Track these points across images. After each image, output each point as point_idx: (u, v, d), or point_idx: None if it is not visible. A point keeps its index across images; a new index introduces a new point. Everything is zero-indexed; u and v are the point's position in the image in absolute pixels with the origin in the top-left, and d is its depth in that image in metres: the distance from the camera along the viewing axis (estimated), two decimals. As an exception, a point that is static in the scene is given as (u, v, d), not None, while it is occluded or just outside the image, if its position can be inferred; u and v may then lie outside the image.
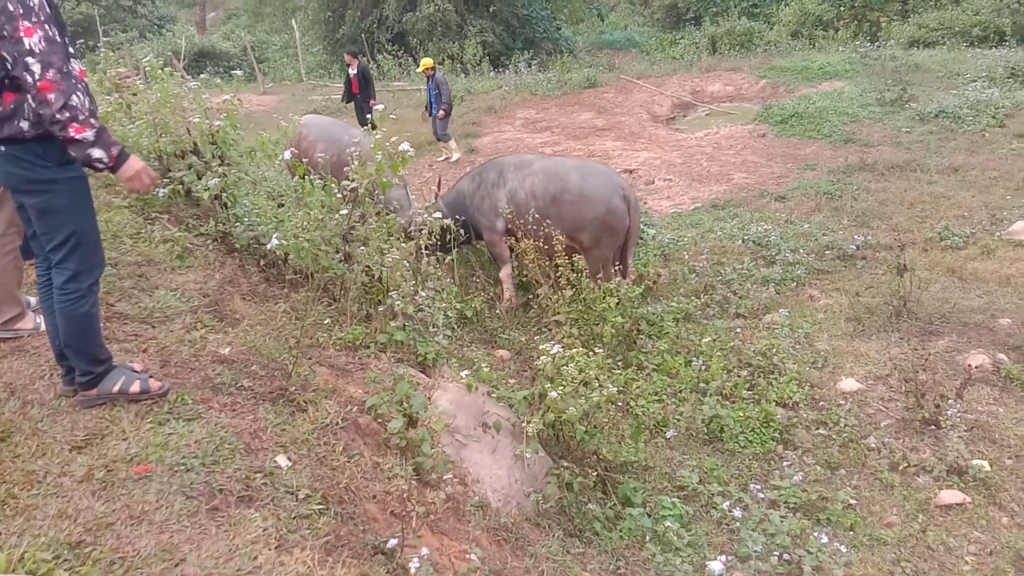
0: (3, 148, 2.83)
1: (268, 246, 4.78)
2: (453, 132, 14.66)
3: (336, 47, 23.18)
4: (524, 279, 7.41)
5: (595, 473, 4.22)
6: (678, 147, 13.94)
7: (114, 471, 2.68)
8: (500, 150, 13.88)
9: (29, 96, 2.70)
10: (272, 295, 4.82)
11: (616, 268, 7.12)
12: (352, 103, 15.01)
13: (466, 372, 4.32)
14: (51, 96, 2.65)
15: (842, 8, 25.80)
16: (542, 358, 4.28)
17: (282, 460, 2.97)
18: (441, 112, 13.72)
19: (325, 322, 4.64)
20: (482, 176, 7.57)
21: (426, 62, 14.16)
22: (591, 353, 4.62)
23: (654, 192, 11.66)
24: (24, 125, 2.79)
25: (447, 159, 13.86)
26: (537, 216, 6.80)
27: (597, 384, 4.32)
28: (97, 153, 2.77)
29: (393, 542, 2.66)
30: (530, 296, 7.39)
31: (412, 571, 2.50)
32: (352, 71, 14.62)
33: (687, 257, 8.51)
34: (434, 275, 5.47)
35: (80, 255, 2.96)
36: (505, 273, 7.58)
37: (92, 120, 2.74)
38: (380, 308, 5.07)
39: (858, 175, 11.18)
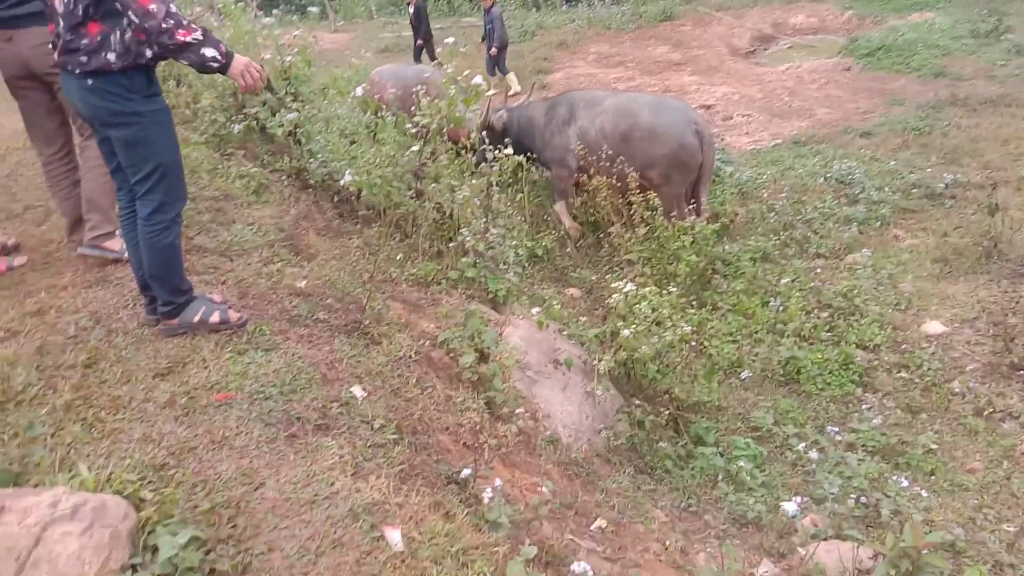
0: (90, 81, 2.83)
1: (342, 182, 4.80)
2: (515, 68, 14.49)
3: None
4: (595, 217, 7.31)
5: (667, 412, 4.18)
6: (758, 81, 13.42)
7: (196, 398, 2.75)
8: (572, 86, 13.57)
9: (130, 12, 2.68)
10: (346, 230, 4.86)
11: (690, 207, 6.95)
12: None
13: (537, 309, 4.30)
14: (152, 7, 2.65)
15: (937, -68, 24.20)
16: (614, 296, 4.22)
17: (357, 391, 3.01)
18: (494, 50, 13.57)
19: (397, 257, 4.66)
20: (554, 110, 7.44)
21: None
22: (665, 292, 4.53)
23: (732, 128, 11.29)
24: (111, 57, 2.79)
25: (509, 92, 13.68)
26: (609, 154, 6.66)
27: (670, 323, 4.24)
28: (210, 52, 2.78)
29: (467, 472, 2.68)
30: (602, 234, 7.29)
31: (485, 501, 2.52)
32: (411, 8, 14.55)
33: (766, 195, 8.25)
34: (505, 213, 5.42)
35: (165, 187, 3.00)
36: (560, 206, 7.49)
37: (193, 24, 2.75)
38: (451, 245, 5.07)
39: (948, 110, 10.59)
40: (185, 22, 2.72)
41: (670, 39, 16.81)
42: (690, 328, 4.19)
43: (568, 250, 7.21)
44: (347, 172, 4.78)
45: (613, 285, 4.38)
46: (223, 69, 2.87)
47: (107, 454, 2.43)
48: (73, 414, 2.64)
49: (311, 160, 5.32)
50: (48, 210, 4.45)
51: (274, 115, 5.54)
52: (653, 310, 4.16)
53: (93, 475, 2.16)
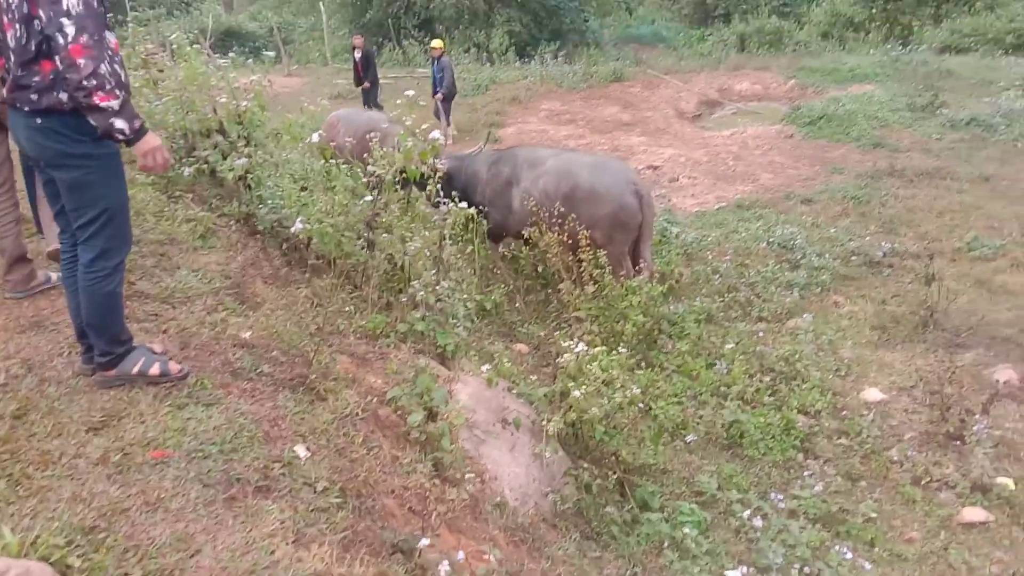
0: (39, 120, 2.74)
1: (292, 230, 4.73)
2: (468, 121, 14.74)
3: (363, 31, 23.06)
4: (543, 272, 7.34)
5: (614, 475, 4.14)
6: (704, 145, 13.79)
7: (131, 455, 2.62)
8: (524, 141, 13.76)
9: (57, 59, 2.60)
10: (294, 279, 4.76)
11: (637, 266, 7.03)
12: (360, 87, 15.11)
13: (487, 366, 4.25)
14: (80, 61, 2.56)
15: (874, 10, 25.46)
16: (565, 355, 4.20)
17: (301, 450, 2.91)
18: (440, 95, 13.79)
19: (346, 309, 4.58)
20: (497, 167, 7.48)
21: (437, 43, 14.26)
22: (614, 352, 4.53)
23: (678, 190, 11.53)
24: (63, 96, 2.70)
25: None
26: (552, 215, 6.71)
27: (619, 385, 4.23)
28: (120, 124, 2.69)
29: (423, 542, 2.59)
30: (550, 291, 7.31)
31: (434, 573, 2.44)
32: (357, 54, 14.72)
33: (711, 257, 8.41)
34: (456, 266, 5.39)
35: (109, 233, 2.89)
36: (495, 251, 7.70)
37: (118, 91, 2.65)
38: (401, 297, 5.00)
39: (886, 181, 11.01)
40: (109, 86, 2.62)
41: (620, 100, 17.19)
42: (639, 390, 4.19)
43: (517, 304, 7.19)
44: (298, 220, 4.71)
45: (564, 344, 4.36)
46: (129, 143, 2.80)
47: (33, 514, 2.29)
48: (-2, 468, 2.49)
49: (261, 206, 5.23)
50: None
51: (225, 159, 5.45)
52: (603, 370, 4.15)
53: (18, 538, 2.03)
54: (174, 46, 6.37)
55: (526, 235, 7.08)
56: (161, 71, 6.34)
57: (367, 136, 5.90)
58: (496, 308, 6.92)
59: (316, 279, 4.87)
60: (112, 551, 2.18)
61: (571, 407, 4.02)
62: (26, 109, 2.74)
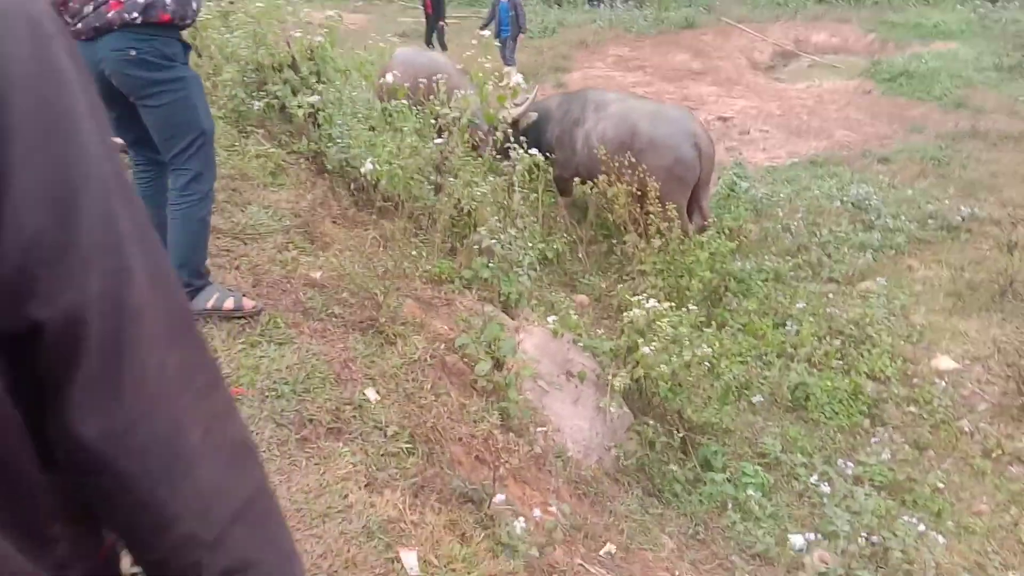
0: (133, 52, 2.68)
1: (362, 170, 4.68)
2: (534, 64, 14.39)
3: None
4: (607, 223, 7.21)
5: (680, 434, 4.08)
6: (777, 97, 13.33)
7: (205, 390, 2.63)
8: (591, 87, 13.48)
9: None
10: (362, 220, 4.73)
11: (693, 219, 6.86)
12: (424, 21, 14.88)
13: (553, 317, 4.20)
14: None
15: (963, -39, 24.12)
16: (634, 311, 4.11)
17: (371, 393, 2.90)
18: (521, 36, 13.41)
19: (412, 253, 4.54)
20: (569, 106, 7.32)
21: None
22: (683, 310, 4.44)
23: (749, 143, 11.20)
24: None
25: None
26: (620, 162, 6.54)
27: (687, 343, 4.15)
28: None
29: (500, 498, 2.56)
30: (614, 241, 7.19)
31: (502, 525, 2.42)
32: None
33: (781, 214, 8.16)
34: (522, 214, 5.31)
35: (204, 155, 2.88)
36: (565, 202, 7.53)
37: None
38: (465, 242, 4.95)
39: (968, 142, 10.51)
40: None
41: (691, 47, 16.67)
42: (708, 349, 4.09)
43: (579, 255, 7.10)
44: (368, 160, 4.66)
45: (632, 299, 4.27)
46: None
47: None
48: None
49: (330, 145, 5.19)
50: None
51: (295, 95, 5.42)
52: (672, 328, 4.06)
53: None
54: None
55: (589, 182, 6.94)
56: (231, 2, 6.30)
57: (433, 78, 5.82)
58: (558, 257, 6.83)
59: (384, 220, 4.84)
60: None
61: (638, 363, 3.95)
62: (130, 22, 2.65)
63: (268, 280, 3.48)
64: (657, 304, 4.11)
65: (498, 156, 6.11)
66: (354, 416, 2.73)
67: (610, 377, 3.99)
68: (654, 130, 6.64)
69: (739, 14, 19.33)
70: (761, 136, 11.45)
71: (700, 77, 14.58)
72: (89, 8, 2.65)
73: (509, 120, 6.59)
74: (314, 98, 4.91)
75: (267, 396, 2.65)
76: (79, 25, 2.67)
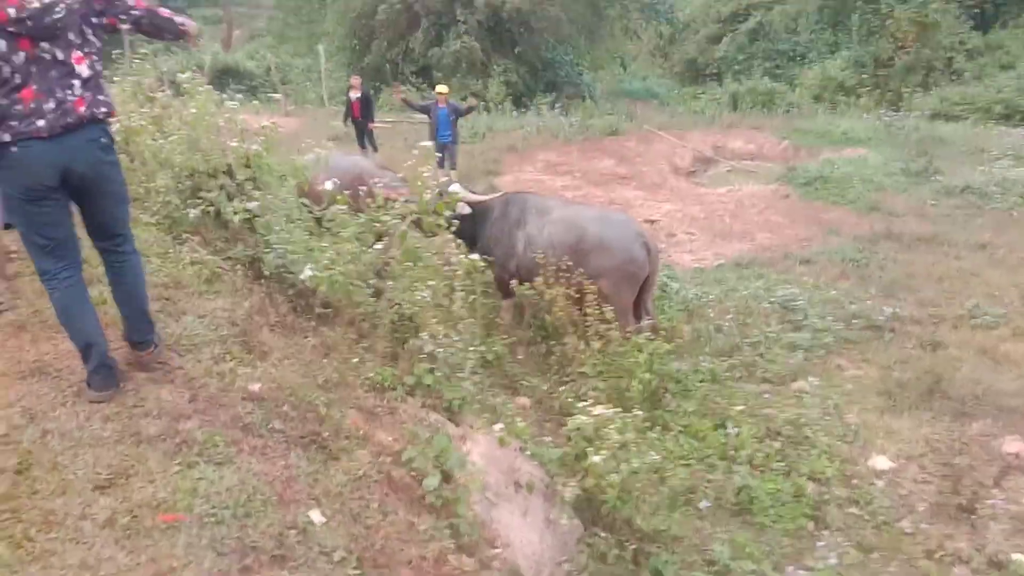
0: (104, 140, 3.11)
1: (301, 276, 4.60)
2: (466, 167, 14.70)
3: (360, 75, 23.24)
4: (545, 325, 7.22)
5: (630, 544, 3.98)
6: (700, 201, 13.82)
7: (140, 517, 2.46)
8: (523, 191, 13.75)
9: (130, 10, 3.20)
10: (301, 327, 4.61)
11: (643, 320, 6.94)
12: (353, 126, 15.20)
13: (499, 425, 4.11)
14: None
15: (864, 76, 25.92)
16: (580, 417, 4.06)
17: (315, 515, 2.75)
18: (448, 140, 13.71)
19: (354, 361, 4.43)
20: (506, 208, 7.42)
21: (443, 88, 14.18)
22: (629, 414, 4.41)
23: (676, 245, 11.50)
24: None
25: None
26: (558, 266, 6.62)
27: (635, 449, 4.10)
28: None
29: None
30: (552, 343, 7.18)
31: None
32: (355, 95, 14.80)
33: (712, 315, 8.32)
34: (463, 317, 5.27)
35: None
36: (507, 304, 7.49)
37: None
38: (407, 347, 4.86)
39: (884, 244, 11.01)
40: None
41: (615, 153, 17.27)
42: (657, 456, 4.05)
43: (519, 356, 7.06)
44: (308, 267, 4.59)
45: (578, 405, 4.23)
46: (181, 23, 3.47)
47: (34, 583, 2.13)
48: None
49: (267, 251, 5.10)
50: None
51: (231, 201, 5.34)
52: (619, 434, 4.02)
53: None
54: (182, 83, 6.29)
55: (527, 285, 6.98)
56: (163, 108, 6.26)
57: (368, 183, 5.83)
58: (498, 360, 6.79)
59: (323, 327, 4.73)
60: (120, 627, 2.01)
61: (587, 472, 3.88)
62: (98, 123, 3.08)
63: (204, 395, 3.32)
64: (604, 410, 4.06)
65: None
66: (298, 541, 2.57)
67: (559, 487, 3.90)
68: (603, 232, 6.81)
69: (660, 121, 20.24)
70: (687, 238, 11.78)
71: (626, 182, 15.06)
72: (51, 106, 2.88)
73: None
74: (253, 204, 4.85)
75: (206, 522, 2.48)
76: (39, 123, 2.85)
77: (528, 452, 4.21)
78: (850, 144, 17.65)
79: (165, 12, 3.36)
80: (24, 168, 2.87)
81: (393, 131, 18.49)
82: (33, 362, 3.30)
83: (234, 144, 5.20)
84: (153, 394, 3.17)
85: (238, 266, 4.96)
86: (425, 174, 4.75)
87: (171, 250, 4.80)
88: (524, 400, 6.32)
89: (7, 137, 2.82)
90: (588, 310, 6.15)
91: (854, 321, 8.34)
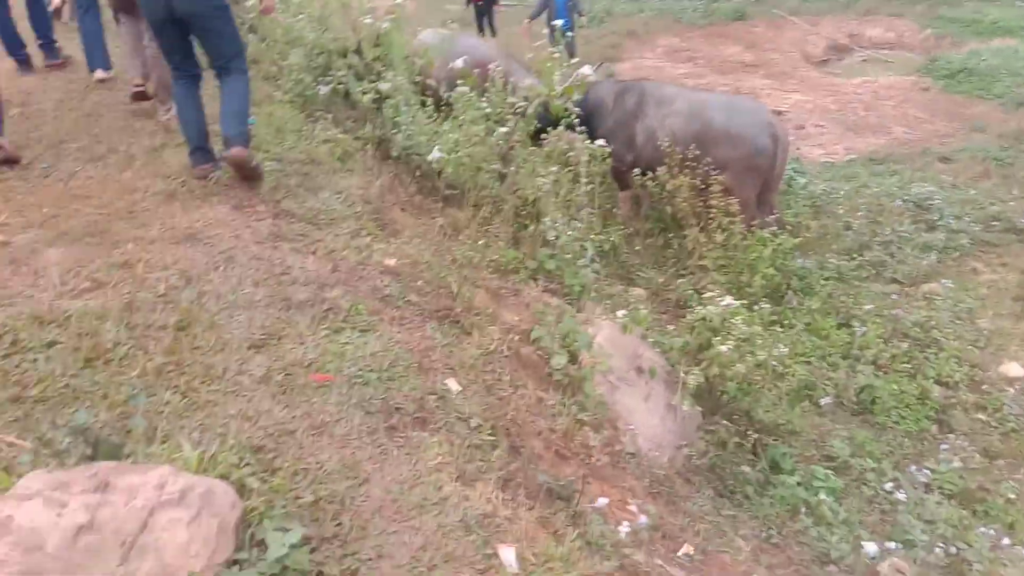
0: None
1: (429, 158, 4.64)
2: (583, 54, 14.18)
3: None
4: (664, 216, 7.11)
5: (753, 435, 3.99)
6: (833, 92, 13.05)
7: (292, 375, 2.61)
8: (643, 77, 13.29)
9: None
10: (427, 208, 4.70)
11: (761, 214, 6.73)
12: (474, 8, 14.73)
13: (623, 312, 4.12)
14: None
15: (1023, -44, 23.40)
16: (708, 308, 4.02)
17: (452, 384, 2.86)
18: (573, 21, 13.07)
19: (480, 242, 4.49)
20: (622, 98, 7.17)
21: None
22: (755, 307, 4.34)
23: (805, 138, 10.97)
24: None
25: None
26: (683, 156, 6.41)
27: (760, 342, 4.05)
28: None
29: (604, 501, 2.50)
30: (670, 235, 7.08)
31: (592, 523, 2.37)
32: None
33: (841, 212, 7.97)
34: (585, 205, 5.23)
35: (243, 54, 4.19)
36: (624, 195, 7.38)
37: None
38: (529, 232, 4.89)
39: (1033, 143, 10.19)
40: None
41: (742, 39, 16.40)
42: (786, 350, 3.99)
43: (636, 247, 6.99)
44: (436, 148, 4.62)
45: (706, 296, 4.18)
46: None
47: (201, 428, 2.30)
48: (165, 380, 2.51)
49: (395, 132, 5.16)
50: (132, 155, 4.33)
51: (359, 81, 5.39)
52: (746, 326, 3.96)
53: (197, 454, 2.02)
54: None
55: (649, 174, 6.82)
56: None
57: (490, 66, 5.75)
58: (614, 250, 6.74)
59: (449, 209, 4.80)
60: (281, 473, 2.16)
61: (712, 361, 3.87)
62: None
63: (345, 266, 3.45)
64: (732, 301, 4.01)
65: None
66: (438, 406, 2.69)
67: (682, 374, 3.91)
68: (729, 121, 6.52)
69: (791, 6, 18.96)
70: (817, 131, 11.22)
71: (753, 70, 14.33)
72: None
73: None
74: (386, 85, 4.87)
75: (354, 383, 2.62)
76: None
77: (651, 340, 4.22)
78: (999, 34, 16.13)
79: None
80: (145, 5, 3.84)
81: (507, 15, 18.01)
82: (185, 228, 3.48)
83: (367, 21, 5.19)
84: (298, 263, 3.30)
85: (367, 145, 5.04)
86: (555, 55, 4.63)
87: (304, 127, 4.91)
88: (640, 291, 6.28)
89: None
90: (711, 202, 5.98)
91: (993, 223, 7.85)
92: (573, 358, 3.48)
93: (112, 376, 2.49)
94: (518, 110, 4.86)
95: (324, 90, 5.24)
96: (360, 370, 2.69)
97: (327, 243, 3.62)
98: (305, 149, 4.61)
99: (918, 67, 14.33)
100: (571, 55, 13.24)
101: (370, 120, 5.26)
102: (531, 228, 4.86)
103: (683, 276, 6.44)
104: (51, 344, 2.61)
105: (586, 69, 4.44)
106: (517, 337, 3.47)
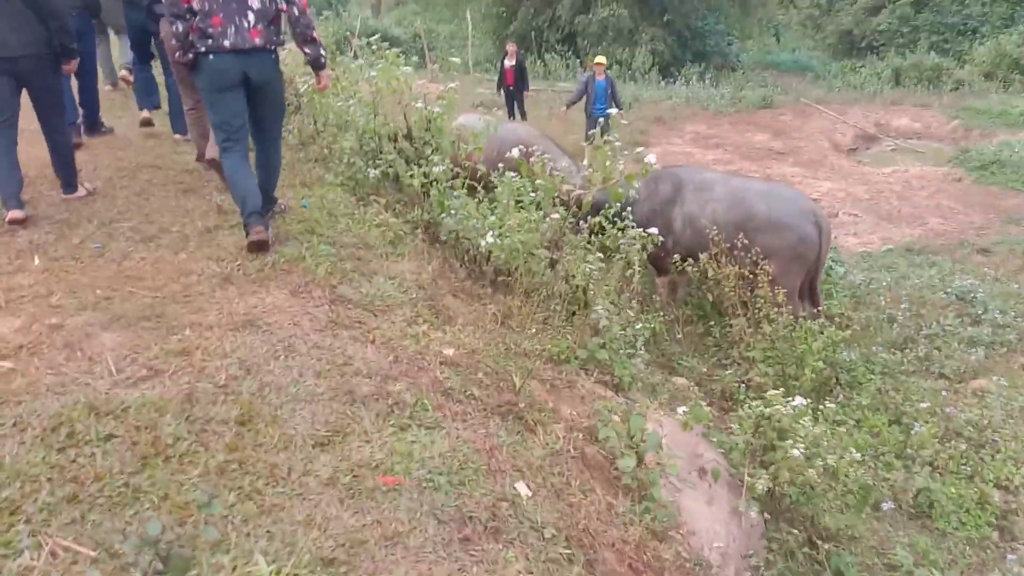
0: (273, 56, 4.25)
1: (482, 243, 4.58)
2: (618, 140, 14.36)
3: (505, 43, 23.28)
4: (702, 304, 7.00)
5: (822, 543, 3.78)
6: (864, 181, 13.08)
7: (360, 477, 2.48)
8: (671, 164, 13.39)
9: (295, 9, 4.22)
10: (477, 293, 4.61)
11: (816, 308, 6.61)
12: (504, 93, 14.99)
13: (683, 409, 3.97)
14: (308, 11, 4.29)
15: (1044, 52, 23.76)
16: (775, 407, 3.86)
17: (522, 488, 2.71)
18: (607, 111, 13.31)
19: (532, 331, 4.39)
20: (656, 186, 7.13)
21: (601, 59, 13.69)
22: (820, 406, 4.18)
23: (839, 226, 10.91)
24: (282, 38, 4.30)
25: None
26: (725, 244, 6.33)
27: (825, 443, 3.88)
28: (324, 52, 4.54)
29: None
30: (710, 323, 6.95)
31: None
32: (510, 62, 14.61)
33: (883, 303, 7.84)
34: (640, 293, 5.13)
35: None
36: (662, 280, 7.28)
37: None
38: (578, 320, 4.78)
39: (1071, 237, 10.10)
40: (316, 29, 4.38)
41: (770, 127, 16.59)
42: (858, 455, 3.82)
43: (677, 335, 6.87)
44: (488, 233, 4.56)
45: (770, 394, 4.03)
46: (322, 67, 4.59)
47: (269, 536, 2.17)
48: (228, 479, 2.38)
49: (442, 215, 5.12)
50: (186, 235, 4.30)
51: (408, 164, 5.39)
52: (814, 426, 3.80)
53: (270, 571, 1.88)
54: (360, 48, 6.38)
55: (689, 260, 6.74)
56: (333, 70, 6.37)
57: (537, 152, 5.75)
58: (654, 337, 6.62)
59: (498, 295, 4.71)
60: (356, 589, 2.02)
61: (782, 465, 3.70)
62: (270, 48, 4.20)
63: (405, 356, 3.34)
64: (802, 401, 3.86)
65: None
66: (510, 515, 2.53)
67: (747, 477, 3.73)
68: (772, 209, 6.45)
69: (817, 96, 19.25)
70: (851, 220, 11.19)
71: (782, 157, 14.42)
72: (232, 31, 4.05)
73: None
74: (438, 169, 4.85)
75: (424, 488, 2.48)
76: (225, 43, 4.04)
77: (712, 438, 4.06)
78: (1029, 126, 16.26)
79: (319, 39, 4.43)
80: (215, 71, 4.07)
81: (536, 99, 18.33)
82: (243, 314, 3.40)
83: (418, 106, 5.22)
84: (359, 353, 3.20)
85: (416, 229, 5.00)
86: (611, 145, 4.62)
87: (356, 211, 4.89)
88: (683, 380, 6.13)
89: (203, 49, 4.02)
90: (760, 291, 5.87)
91: (1039, 318, 7.68)
92: (638, 458, 3.33)
93: (173, 475, 2.37)
94: (570, 197, 4.82)
95: (374, 173, 5.23)
96: (430, 472, 2.56)
97: (384, 331, 3.52)
98: (358, 233, 4.57)
99: (949, 158, 14.38)
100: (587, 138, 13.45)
101: (418, 204, 5.23)
102: (580, 316, 4.76)
103: (725, 366, 6.31)
104: (108, 437, 2.50)
105: (651, 158, 4.40)
106: (580, 435, 3.32)
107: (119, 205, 4.68)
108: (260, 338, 3.22)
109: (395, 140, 5.49)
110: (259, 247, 4.11)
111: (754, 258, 6.12)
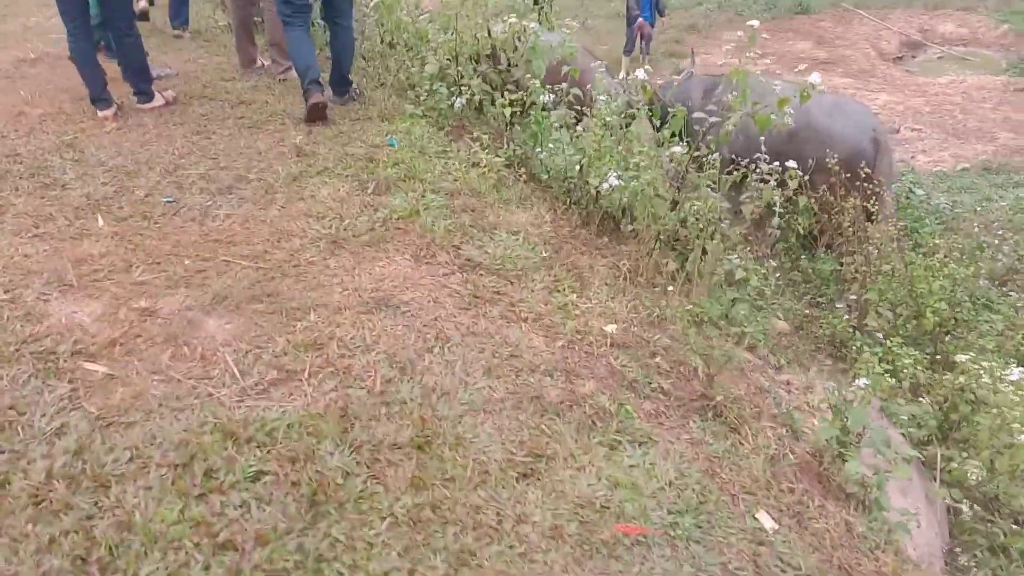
0: None
1: (603, 187, 3.94)
2: (653, 49, 13.46)
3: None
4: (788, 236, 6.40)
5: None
6: (921, 92, 12.25)
7: (590, 525, 1.92)
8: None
9: None
10: (597, 245, 3.97)
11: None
12: None
13: (864, 381, 3.42)
14: None
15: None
16: (981, 377, 3.30)
17: (765, 520, 2.17)
18: (648, 22, 12.49)
19: (669, 289, 3.78)
20: (713, 92, 6.43)
21: None
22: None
23: (903, 143, 10.19)
24: None
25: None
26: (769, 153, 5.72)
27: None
28: None
29: None
30: (805, 256, 6.35)
31: None
32: None
33: (976, 229, 7.22)
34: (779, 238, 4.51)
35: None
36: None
37: None
38: (699, 268, 4.18)
39: None
40: None
41: (810, 34, 15.57)
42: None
43: (766, 274, 6.26)
44: (611, 175, 3.92)
45: (959, 357, 3.47)
46: None
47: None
48: (425, 533, 1.83)
49: (540, 151, 4.45)
50: (269, 185, 3.63)
51: (494, 89, 4.70)
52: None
53: None
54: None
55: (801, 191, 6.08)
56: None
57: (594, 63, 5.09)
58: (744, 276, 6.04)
59: (619, 246, 4.08)
60: None
61: (982, 445, 3.17)
62: None
63: (567, 338, 2.75)
64: (1022, 372, 3.30)
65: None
66: (771, 562, 1.99)
67: (939, 460, 3.21)
68: (831, 120, 5.87)
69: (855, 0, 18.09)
70: (915, 136, 10.45)
71: (829, 67, 13.48)
72: None
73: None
74: (545, 97, 4.16)
75: (675, 538, 1.93)
76: None
77: (890, 412, 3.52)
78: (1087, 31, 15.30)
79: None
80: None
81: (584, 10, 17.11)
82: (371, 291, 2.80)
83: (511, 20, 4.49)
84: (523, 340, 2.62)
85: (510, 167, 4.33)
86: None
87: (448, 149, 4.22)
88: (783, 324, 5.57)
89: None
90: (873, 217, 5.26)
91: None
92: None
93: (354, 530, 1.81)
94: (708, 128, 4.17)
95: (460, 102, 4.54)
96: (669, 513, 2.01)
97: (529, 303, 2.92)
98: (458, 176, 3.91)
99: (1005, 67, 13.50)
100: (646, 52, 12.58)
101: (508, 138, 4.56)
102: (706, 266, 4.15)
103: (820, 305, 5.74)
104: (257, 476, 1.94)
105: (815, 77, 3.76)
106: (784, 430, 2.77)
107: (178, 147, 3.98)
108: (402, 322, 2.62)
109: (477, 61, 4.76)
110: (319, 112, 4.35)
111: (865, 183, 5.49)
